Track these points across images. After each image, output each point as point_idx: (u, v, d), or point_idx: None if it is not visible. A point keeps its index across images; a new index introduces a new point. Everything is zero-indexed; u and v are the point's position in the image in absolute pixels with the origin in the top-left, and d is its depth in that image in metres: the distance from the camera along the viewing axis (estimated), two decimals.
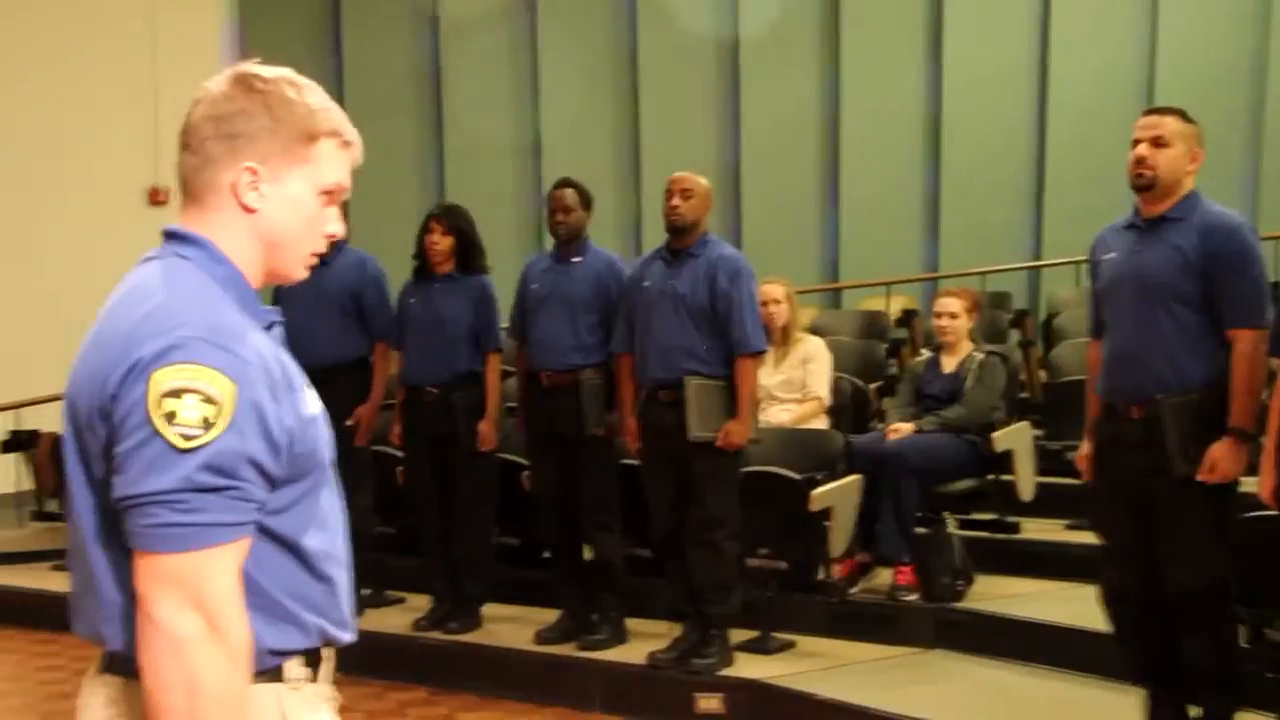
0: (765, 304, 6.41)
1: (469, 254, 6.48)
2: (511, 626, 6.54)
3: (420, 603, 6.78)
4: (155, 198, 11.45)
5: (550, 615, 6.40)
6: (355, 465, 6.09)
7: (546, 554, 6.71)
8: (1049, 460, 6.90)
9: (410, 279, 6.64)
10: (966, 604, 6.18)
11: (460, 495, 6.47)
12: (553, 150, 12.02)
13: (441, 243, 6.45)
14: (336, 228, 2.02)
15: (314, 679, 1.96)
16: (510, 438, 6.59)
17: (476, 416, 6.38)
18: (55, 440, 8.25)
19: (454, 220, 6.48)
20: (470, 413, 6.39)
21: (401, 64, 12.31)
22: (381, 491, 6.74)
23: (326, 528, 1.96)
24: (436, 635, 6.47)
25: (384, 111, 11.42)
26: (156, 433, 1.74)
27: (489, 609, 6.62)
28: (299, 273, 2.02)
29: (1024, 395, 8.02)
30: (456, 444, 6.40)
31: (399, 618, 6.65)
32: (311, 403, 1.93)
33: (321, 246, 2.02)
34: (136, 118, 11.16)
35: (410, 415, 6.54)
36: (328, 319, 6.47)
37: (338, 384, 5.97)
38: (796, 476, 5.92)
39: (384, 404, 6.79)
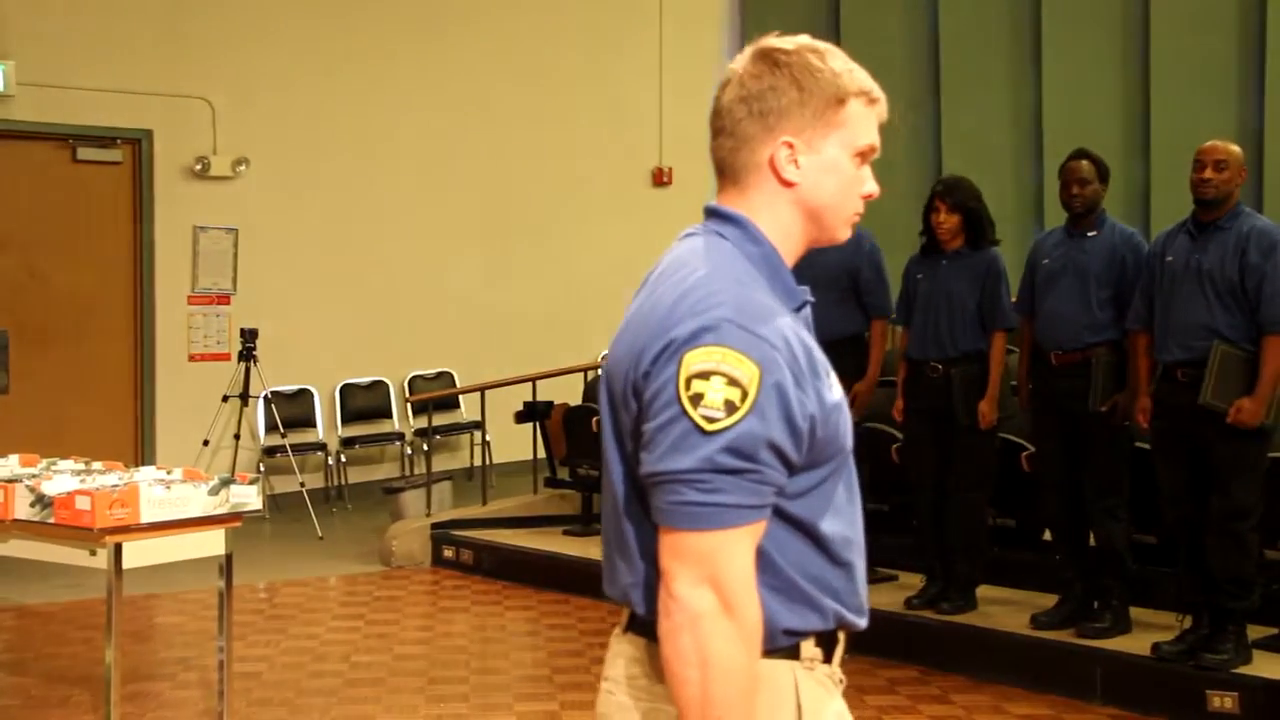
0: None
1: (978, 229, 6.37)
2: (1006, 609, 6.41)
3: (913, 581, 6.75)
4: (659, 179, 11.89)
5: (1047, 600, 6.23)
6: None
7: (1046, 536, 6.53)
8: None
9: (917, 254, 6.58)
10: None
11: (956, 473, 6.38)
12: (1054, 121, 11.64)
13: (948, 220, 6.36)
14: (872, 187, 2.03)
15: (827, 660, 1.97)
16: (1012, 417, 6.43)
17: (977, 394, 6.27)
18: (567, 411, 8.71)
19: (960, 196, 6.37)
20: (970, 390, 6.28)
21: (898, 35, 12.25)
22: (874, 468, 6.73)
23: (844, 513, 1.96)
24: (929, 614, 6.42)
25: (881, 84, 11.36)
26: (683, 413, 1.79)
27: (982, 590, 6.51)
28: (844, 233, 2.03)
29: None
30: (955, 421, 6.31)
31: (891, 595, 6.63)
32: (835, 388, 1.93)
33: (859, 208, 2.03)
34: (643, 101, 11.63)
35: (912, 391, 6.51)
36: (825, 295, 6.43)
37: (834, 360, 5.97)
38: None
39: (880, 380, 6.78)
